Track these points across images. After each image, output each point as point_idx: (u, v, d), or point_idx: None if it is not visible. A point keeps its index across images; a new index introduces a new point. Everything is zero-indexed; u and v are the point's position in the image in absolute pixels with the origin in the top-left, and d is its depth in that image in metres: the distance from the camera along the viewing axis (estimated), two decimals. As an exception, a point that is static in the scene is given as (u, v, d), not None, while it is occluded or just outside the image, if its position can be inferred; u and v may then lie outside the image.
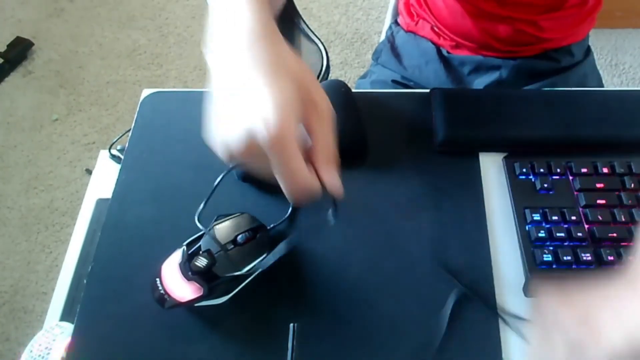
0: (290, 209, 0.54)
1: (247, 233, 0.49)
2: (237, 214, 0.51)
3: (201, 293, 0.46)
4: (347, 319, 0.48)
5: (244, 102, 0.37)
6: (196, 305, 0.47)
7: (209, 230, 0.49)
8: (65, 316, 0.57)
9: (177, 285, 0.46)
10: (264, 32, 0.39)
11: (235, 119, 0.37)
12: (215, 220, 0.50)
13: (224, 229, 0.49)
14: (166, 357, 0.47)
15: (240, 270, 0.47)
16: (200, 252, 0.47)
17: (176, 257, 0.48)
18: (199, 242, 0.49)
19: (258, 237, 0.49)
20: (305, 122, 0.38)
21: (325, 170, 0.39)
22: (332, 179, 0.39)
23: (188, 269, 0.46)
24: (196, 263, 0.46)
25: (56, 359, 0.53)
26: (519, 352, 0.47)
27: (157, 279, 0.47)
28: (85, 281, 0.52)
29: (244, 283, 0.48)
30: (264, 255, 0.49)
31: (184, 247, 0.48)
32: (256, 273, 0.49)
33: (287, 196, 0.38)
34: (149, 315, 0.49)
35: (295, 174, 0.37)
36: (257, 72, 0.37)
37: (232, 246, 0.48)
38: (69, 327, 0.54)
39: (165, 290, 0.46)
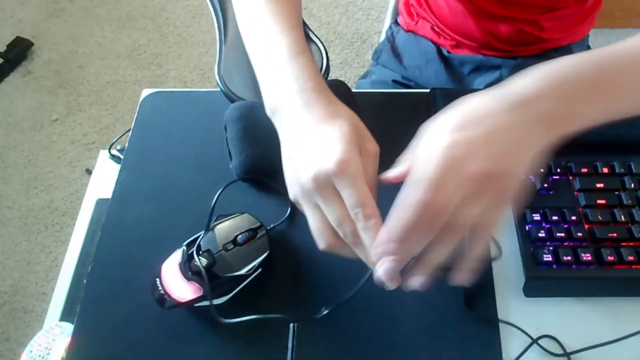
0: (289, 209, 0.54)
1: (247, 233, 0.49)
2: (237, 214, 0.51)
3: (201, 293, 0.46)
4: (347, 319, 0.48)
5: (310, 146, 0.40)
6: (196, 305, 0.47)
7: (209, 230, 0.49)
8: (65, 316, 0.57)
9: (177, 285, 0.46)
10: (316, 88, 0.43)
11: (304, 159, 0.40)
12: (216, 221, 0.50)
13: (224, 229, 0.49)
14: (166, 357, 0.47)
15: (240, 271, 0.47)
16: (200, 252, 0.47)
17: (176, 257, 0.48)
18: (198, 242, 0.49)
19: (258, 237, 0.49)
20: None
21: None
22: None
23: (188, 269, 0.46)
24: (196, 263, 0.46)
25: (56, 359, 0.53)
26: (518, 350, 0.47)
27: (157, 279, 0.47)
28: (85, 281, 0.52)
29: (244, 283, 0.48)
30: (263, 256, 0.49)
31: (184, 247, 0.48)
32: (256, 273, 0.49)
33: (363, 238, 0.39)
34: (149, 315, 0.49)
35: (364, 201, 0.38)
36: (317, 123, 0.41)
37: (232, 246, 0.48)
38: (69, 327, 0.54)
39: (165, 291, 0.46)
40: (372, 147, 0.42)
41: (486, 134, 0.36)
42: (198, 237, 0.49)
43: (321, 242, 0.41)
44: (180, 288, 0.46)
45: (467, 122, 0.37)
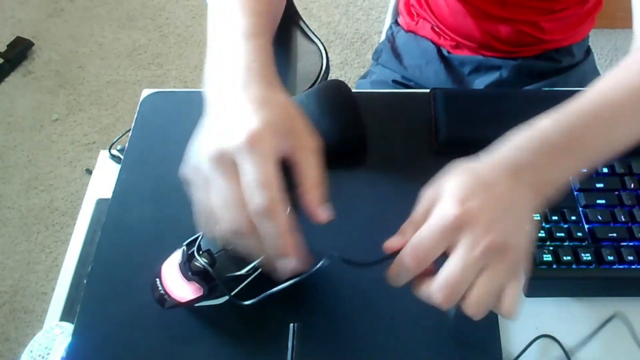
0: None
1: None
2: None
3: (201, 293, 0.46)
4: (347, 319, 0.48)
5: (225, 123, 0.38)
6: (196, 305, 0.47)
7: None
8: (65, 316, 0.57)
9: (177, 285, 0.46)
10: (261, 72, 0.41)
11: (213, 132, 0.38)
12: None
13: None
14: (166, 357, 0.47)
15: (240, 271, 0.47)
16: (200, 252, 0.47)
17: (176, 257, 0.48)
18: (198, 242, 0.49)
19: None
20: (290, 153, 0.38)
21: (310, 196, 0.38)
22: (317, 206, 0.38)
23: (188, 269, 0.46)
24: (196, 263, 0.46)
25: (56, 359, 0.53)
26: (518, 349, 0.47)
27: (157, 279, 0.47)
28: (85, 281, 0.52)
29: (244, 283, 0.48)
30: (264, 255, 0.49)
31: (184, 247, 0.48)
32: (256, 273, 0.49)
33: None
34: (149, 315, 0.49)
35: (269, 185, 0.35)
36: (247, 104, 0.38)
37: (232, 246, 0.48)
38: (69, 327, 0.54)
39: (165, 291, 0.46)
40: (310, 141, 0.38)
41: (497, 203, 0.37)
42: (198, 237, 0.49)
43: (205, 228, 0.39)
44: (180, 288, 0.46)
45: (477, 190, 0.37)
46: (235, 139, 0.35)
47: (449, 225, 0.36)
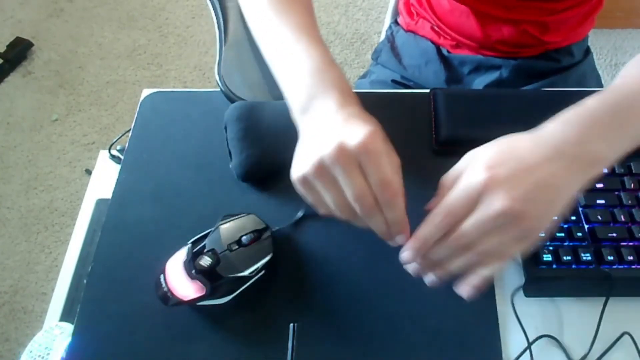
0: (302, 213, 0.54)
1: (251, 234, 0.49)
2: (243, 215, 0.51)
3: (204, 292, 0.46)
4: (347, 319, 0.48)
5: (335, 126, 0.40)
6: (198, 304, 0.47)
7: (215, 229, 0.49)
8: (65, 316, 0.57)
9: (181, 283, 0.46)
10: (351, 95, 0.44)
11: (326, 135, 0.40)
12: (221, 220, 0.50)
13: (229, 229, 0.49)
14: (166, 356, 0.47)
15: (243, 272, 0.47)
16: (205, 251, 0.47)
17: (181, 255, 0.48)
18: (204, 241, 0.49)
19: (262, 239, 0.49)
20: None
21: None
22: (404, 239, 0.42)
23: (192, 268, 0.46)
24: (200, 262, 0.46)
25: (56, 359, 0.53)
26: (518, 349, 0.47)
27: (162, 276, 0.47)
28: (85, 281, 0.52)
29: (247, 284, 0.48)
30: (267, 258, 0.49)
31: (189, 245, 0.48)
32: (259, 275, 0.49)
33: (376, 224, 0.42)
34: (149, 315, 0.49)
35: (390, 183, 0.39)
36: (348, 116, 0.41)
37: (237, 247, 0.48)
38: (68, 328, 0.54)
39: (168, 288, 0.46)
40: (396, 157, 0.42)
41: (525, 175, 0.38)
42: (204, 235, 0.49)
43: (341, 215, 0.42)
44: (183, 286, 0.46)
45: (508, 159, 0.39)
46: (355, 139, 0.38)
47: (474, 187, 0.38)
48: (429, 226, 0.40)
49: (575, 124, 0.40)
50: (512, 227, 0.37)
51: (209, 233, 0.49)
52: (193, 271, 0.46)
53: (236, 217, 0.51)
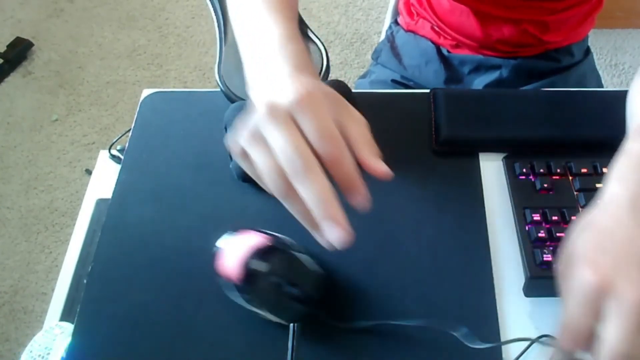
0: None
1: (301, 289, 0.46)
2: (302, 252, 0.49)
3: (238, 282, 0.45)
4: (346, 319, 0.48)
5: (278, 88, 0.36)
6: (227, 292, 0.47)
7: (298, 250, 0.47)
8: (65, 316, 0.57)
9: (233, 260, 0.46)
10: (294, 37, 0.42)
11: (262, 91, 0.37)
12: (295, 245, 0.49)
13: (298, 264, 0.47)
14: (166, 357, 0.47)
15: (264, 312, 0.46)
16: (268, 257, 0.46)
17: (252, 239, 0.47)
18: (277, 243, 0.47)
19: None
20: (338, 120, 0.37)
21: (366, 151, 0.36)
22: (377, 162, 0.36)
23: (251, 258, 0.45)
24: (256, 262, 0.45)
25: (56, 359, 0.53)
26: (518, 350, 0.47)
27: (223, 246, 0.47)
28: (85, 281, 0.52)
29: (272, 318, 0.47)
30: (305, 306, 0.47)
31: (268, 244, 0.47)
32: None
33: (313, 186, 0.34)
34: (149, 315, 0.49)
35: (334, 134, 0.34)
36: (298, 78, 0.38)
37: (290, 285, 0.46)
38: (68, 327, 0.54)
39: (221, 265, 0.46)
40: (359, 115, 0.38)
41: (622, 255, 0.35)
42: (282, 242, 0.48)
43: (271, 185, 0.36)
44: (232, 263, 0.46)
45: (600, 248, 0.35)
46: (291, 94, 0.35)
47: (591, 294, 0.34)
48: (559, 354, 0.37)
49: (629, 179, 0.38)
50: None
51: (286, 245, 0.48)
52: (249, 261, 0.45)
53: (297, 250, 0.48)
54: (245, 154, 0.37)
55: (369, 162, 0.37)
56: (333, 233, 0.35)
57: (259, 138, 0.35)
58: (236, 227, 0.49)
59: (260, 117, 0.35)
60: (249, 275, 0.45)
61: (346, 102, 0.39)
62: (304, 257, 0.47)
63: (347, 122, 0.37)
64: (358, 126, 0.37)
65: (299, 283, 0.46)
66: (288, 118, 0.34)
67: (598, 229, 0.37)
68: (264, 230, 0.49)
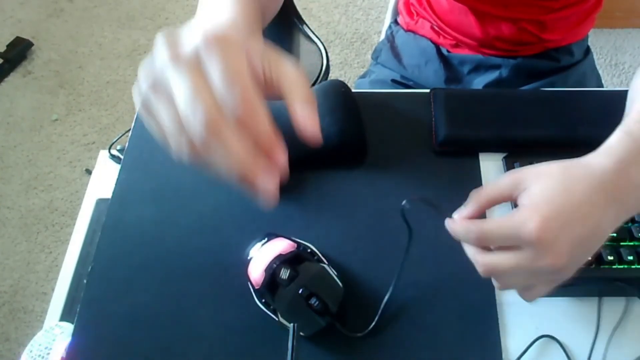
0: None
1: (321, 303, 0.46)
2: (322, 265, 0.49)
3: (260, 282, 0.46)
4: (346, 319, 0.48)
5: (184, 32, 0.32)
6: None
7: (318, 267, 0.48)
8: (65, 316, 0.57)
9: (258, 265, 0.47)
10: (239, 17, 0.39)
11: (168, 43, 0.32)
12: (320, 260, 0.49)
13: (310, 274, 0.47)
14: (166, 357, 0.47)
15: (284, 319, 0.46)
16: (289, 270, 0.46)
17: (278, 246, 0.48)
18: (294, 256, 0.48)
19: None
20: (266, 66, 0.32)
21: (301, 106, 0.31)
22: (311, 118, 0.31)
23: (275, 263, 0.46)
24: (283, 270, 0.46)
25: (56, 359, 0.53)
26: (518, 350, 0.47)
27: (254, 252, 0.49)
28: (85, 281, 0.52)
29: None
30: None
31: (294, 251, 0.48)
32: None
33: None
34: (148, 315, 0.49)
35: (241, 77, 0.29)
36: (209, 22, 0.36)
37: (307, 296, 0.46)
38: (69, 327, 0.54)
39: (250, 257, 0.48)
40: (295, 64, 0.33)
41: (576, 231, 0.37)
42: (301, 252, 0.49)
43: (174, 145, 0.31)
44: (257, 268, 0.47)
45: (562, 211, 0.37)
46: (199, 37, 0.30)
47: (524, 239, 0.36)
48: (462, 231, 0.40)
49: (621, 177, 0.39)
50: (548, 275, 0.38)
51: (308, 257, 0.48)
52: (271, 265, 0.46)
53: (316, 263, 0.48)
54: (149, 109, 0.32)
55: (300, 117, 0.31)
56: (259, 194, 0.30)
57: (161, 88, 0.31)
58: (267, 233, 0.50)
59: (160, 65, 0.30)
60: (270, 282, 0.46)
61: (278, 51, 0.33)
62: (326, 269, 0.48)
63: (278, 67, 0.32)
64: (292, 72, 0.32)
65: (320, 294, 0.46)
66: (192, 63, 0.30)
67: (567, 191, 0.37)
68: (293, 238, 0.50)
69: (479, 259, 0.40)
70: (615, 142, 0.40)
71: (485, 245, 0.40)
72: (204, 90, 0.29)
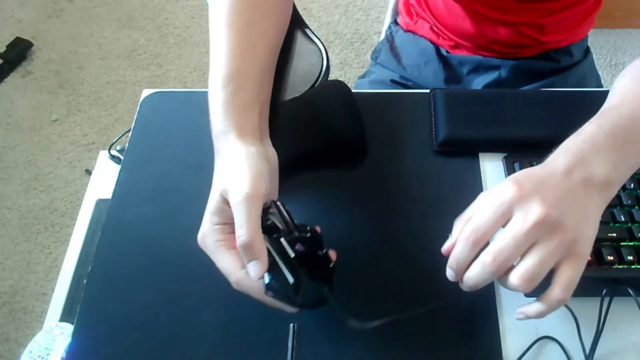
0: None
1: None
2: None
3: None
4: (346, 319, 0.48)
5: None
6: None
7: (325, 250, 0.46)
8: (65, 316, 0.57)
9: None
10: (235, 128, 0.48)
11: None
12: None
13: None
14: (166, 357, 0.47)
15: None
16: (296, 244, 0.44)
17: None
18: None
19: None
20: None
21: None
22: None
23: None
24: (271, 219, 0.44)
25: (56, 359, 0.53)
26: (518, 351, 0.47)
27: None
28: (85, 281, 0.52)
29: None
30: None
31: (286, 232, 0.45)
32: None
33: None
34: (149, 315, 0.49)
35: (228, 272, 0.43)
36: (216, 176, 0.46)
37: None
38: (68, 328, 0.54)
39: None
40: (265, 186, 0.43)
41: (551, 186, 0.39)
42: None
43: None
44: None
45: (531, 176, 0.40)
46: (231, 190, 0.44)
47: (505, 201, 0.38)
48: (460, 245, 0.40)
49: (574, 151, 0.41)
50: (551, 239, 0.37)
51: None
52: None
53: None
54: None
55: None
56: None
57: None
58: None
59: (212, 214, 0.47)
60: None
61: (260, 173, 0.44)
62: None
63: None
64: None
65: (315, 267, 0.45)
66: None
67: (533, 172, 0.41)
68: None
69: (486, 258, 0.38)
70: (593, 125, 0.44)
71: (484, 240, 0.39)
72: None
